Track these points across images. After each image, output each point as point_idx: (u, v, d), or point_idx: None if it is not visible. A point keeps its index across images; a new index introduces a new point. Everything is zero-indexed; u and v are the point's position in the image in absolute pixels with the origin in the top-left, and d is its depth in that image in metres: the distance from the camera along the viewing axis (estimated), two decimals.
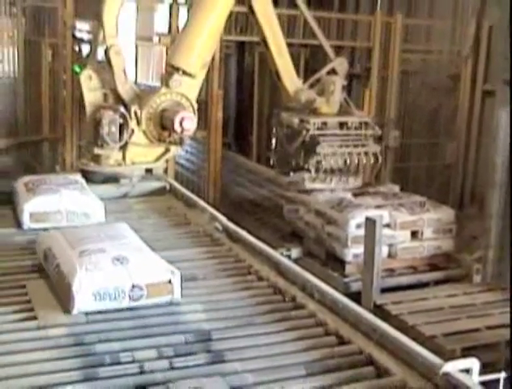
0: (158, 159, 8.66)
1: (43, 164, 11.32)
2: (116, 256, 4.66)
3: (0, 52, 10.60)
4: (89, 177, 7.94)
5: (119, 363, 3.82)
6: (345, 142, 9.54)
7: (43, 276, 5.00)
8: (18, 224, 6.29)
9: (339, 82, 9.82)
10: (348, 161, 9.58)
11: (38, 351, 3.93)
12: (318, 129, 9.42)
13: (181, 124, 8.15)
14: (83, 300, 4.39)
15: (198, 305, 4.66)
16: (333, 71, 10.00)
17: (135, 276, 4.54)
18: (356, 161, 9.68)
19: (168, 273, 4.68)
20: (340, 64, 10.15)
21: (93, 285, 4.41)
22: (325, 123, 9.52)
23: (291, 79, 9.86)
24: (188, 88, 8.57)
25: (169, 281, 4.66)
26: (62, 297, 4.56)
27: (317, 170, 9.49)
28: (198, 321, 4.41)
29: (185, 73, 8.49)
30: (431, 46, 12.32)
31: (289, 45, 14.25)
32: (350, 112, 9.89)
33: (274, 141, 10.53)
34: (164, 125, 8.32)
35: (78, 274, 4.43)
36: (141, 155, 8.52)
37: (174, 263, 5.22)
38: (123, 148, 8.39)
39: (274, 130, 10.45)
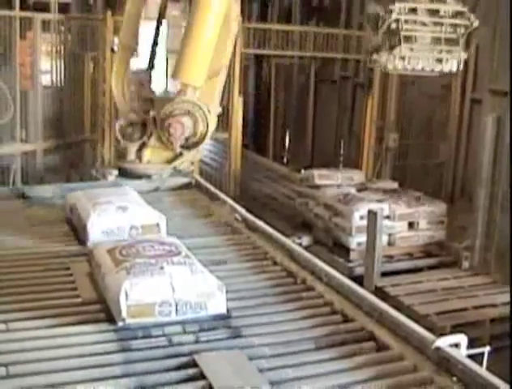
0: (171, 161, 8.34)
1: (85, 161, 11.37)
2: (119, 206, 5.57)
3: (49, 64, 10.62)
4: (125, 173, 7.95)
5: (150, 336, 3.83)
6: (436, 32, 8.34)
7: (86, 260, 5.02)
8: (65, 213, 6.29)
9: None
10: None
11: (80, 325, 3.95)
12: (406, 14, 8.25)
13: (168, 129, 7.99)
14: (95, 235, 5.30)
15: None
16: None
17: (133, 219, 5.45)
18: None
19: (156, 218, 5.58)
20: None
21: (102, 225, 5.35)
22: (414, 9, 8.31)
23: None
24: (199, 97, 8.13)
25: (157, 224, 5.53)
26: (81, 235, 5.45)
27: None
28: None
29: (189, 85, 8.27)
30: None
31: (300, 58, 14.37)
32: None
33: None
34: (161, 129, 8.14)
35: (91, 218, 5.38)
36: (157, 155, 8.39)
37: (199, 249, 5.24)
38: (141, 148, 8.32)
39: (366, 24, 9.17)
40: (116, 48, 9.99)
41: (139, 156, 8.31)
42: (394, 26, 8.28)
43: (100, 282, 4.33)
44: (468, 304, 7.57)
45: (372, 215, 7.84)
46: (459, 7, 8.49)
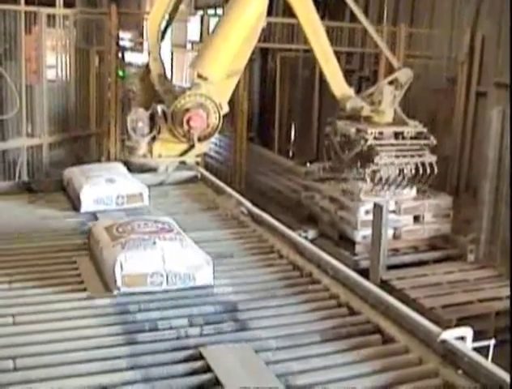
0: (183, 154, 8.58)
1: (90, 155, 11.38)
2: (108, 178, 6.39)
3: (54, 58, 10.61)
4: (130, 167, 7.97)
5: (157, 329, 3.84)
6: (401, 152, 8.92)
7: (90, 253, 5.04)
8: (74, 207, 6.32)
9: (387, 91, 9.16)
10: (406, 171, 8.89)
11: (87, 318, 3.96)
12: (375, 139, 8.80)
13: (188, 122, 8.10)
14: (87, 203, 6.11)
15: (226, 279, 4.66)
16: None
17: (119, 189, 6.24)
18: (414, 172, 8.94)
19: (140, 189, 6.39)
20: (404, 74, 9.41)
21: (93, 195, 6.13)
22: (381, 133, 8.90)
23: (337, 85, 9.30)
24: (213, 92, 8.36)
25: (140, 194, 6.35)
26: (75, 202, 6.25)
27: (372, 180, 8.85)
28: (226, 293, 4.42)
29: (205, 78, 8.39)
30: (431, 52, 12.25)
31: (306, 51, 14.33)
32: (403, 122, 9.23)
33: (327, 149, 9.70)
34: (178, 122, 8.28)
35: (83, 188, 6.16)
36: (168, 149, 8.49)
37: (205, 242, 5.24)
38: (151, 142, 8.40)
39: (328, 138, 9.65)
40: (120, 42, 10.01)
41: (150, 151, 8.39)
42: (365, 148, 8.84)
43: (98, 256, 4.67)
44: (474, 297, 7.57)
45: (377, 209, 7.84)
46: (420, 128, 9.17)
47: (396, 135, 9.03)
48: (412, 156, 8.97)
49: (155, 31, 8.85)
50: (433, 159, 9.04)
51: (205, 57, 8.45)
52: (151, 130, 8.34)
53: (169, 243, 4.50)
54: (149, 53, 8.88)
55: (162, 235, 4.60)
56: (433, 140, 9.16)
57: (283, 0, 16.15)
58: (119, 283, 4.23)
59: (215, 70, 8.37)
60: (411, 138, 9.07)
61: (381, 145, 8.82)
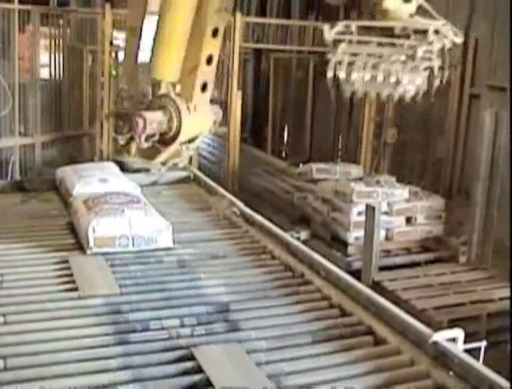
0: (153, 157, 8.44)
1: (83, 155, 11.35)
2: (101, 178, 6.53)
3: (47, 57, 10.60)
4: (122, 166, 7.97)
5: (149, 329, 3.84)
6: None
7: (82, 253, 5.04)
8: (66, 206, 6.31)
9: None
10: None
11: (78, 318, 3.96)
12: None
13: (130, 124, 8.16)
14: None
15: (218, 279, 4.67)
16: None
17: (112, 189, 6.15)
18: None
19: (132, 188, 6.45)
20: None
21: (85, 195, 5.93)
22: None
23: None
24: (180, 92, 8.30)
25: None
26: (68, 202, 6.18)
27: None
28: (218, 294, 4.42)
29: (163, 80, 8.32)
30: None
31: (299, 52, 14.35)
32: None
33: None
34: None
35: (76, 188, 6.28)
36: (140, 150, 8.45)
37: (197, 243, 5.26)
38: (129, 143, 8.42)
39: None
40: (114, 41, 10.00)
41: (128, 150, 8.39)
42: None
43: (76, 223, 5.48)
44: (465, 299, 7.56)
45: (370, 210, 7.84)
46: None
47: None
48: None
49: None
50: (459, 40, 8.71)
51: (154, 61, 8.39)
52: (130, 130, 8.33)
53: (135, 212, 5.31)
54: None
55: (130, 205, 5.42)
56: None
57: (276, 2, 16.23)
58: (91, 244, 5.03)
59: (170, 70, 8.28)
60: None
61: None
